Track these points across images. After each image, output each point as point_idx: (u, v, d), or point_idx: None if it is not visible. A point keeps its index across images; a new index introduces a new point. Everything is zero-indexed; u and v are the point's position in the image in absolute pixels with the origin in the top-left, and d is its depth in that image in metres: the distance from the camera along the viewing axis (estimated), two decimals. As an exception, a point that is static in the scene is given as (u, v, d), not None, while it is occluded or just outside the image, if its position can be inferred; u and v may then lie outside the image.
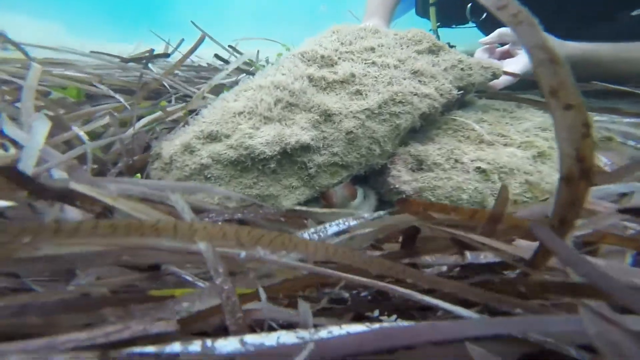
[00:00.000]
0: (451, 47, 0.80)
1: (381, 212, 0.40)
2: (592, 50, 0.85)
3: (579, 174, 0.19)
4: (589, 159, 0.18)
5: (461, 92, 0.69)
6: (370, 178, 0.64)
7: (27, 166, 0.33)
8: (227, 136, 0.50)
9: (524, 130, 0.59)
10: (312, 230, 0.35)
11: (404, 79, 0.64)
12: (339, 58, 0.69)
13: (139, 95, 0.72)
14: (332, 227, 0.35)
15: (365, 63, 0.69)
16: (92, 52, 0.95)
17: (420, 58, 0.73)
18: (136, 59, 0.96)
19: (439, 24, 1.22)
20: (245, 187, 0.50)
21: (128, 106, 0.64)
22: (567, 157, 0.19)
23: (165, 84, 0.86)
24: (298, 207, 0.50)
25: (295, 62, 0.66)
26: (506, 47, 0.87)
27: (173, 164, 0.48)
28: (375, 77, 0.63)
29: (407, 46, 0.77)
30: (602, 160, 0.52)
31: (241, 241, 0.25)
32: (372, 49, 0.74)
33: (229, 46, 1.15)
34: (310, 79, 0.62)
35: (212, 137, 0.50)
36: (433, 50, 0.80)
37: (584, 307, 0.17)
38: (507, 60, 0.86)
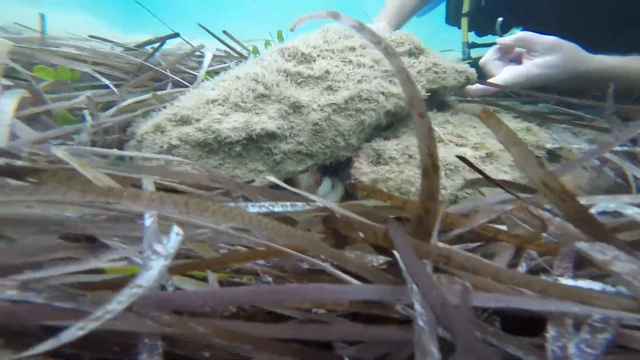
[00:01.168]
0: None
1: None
2: (620, 64, 0.81)
3: (431, 167, 0.22)
4: (435, 155, 0.22)
5: (429, 94, 0.72)
6: (339, 170, 0.67)
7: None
8: (197, 120, 0.54)
9: (483, 132, 0.62)
10: (260, 204, 0.38)
11: (375, 78, 0.67)
12: (318, 55, 0.72)
13: (130, 80, 0.76)
14: (277, 207, 0.38)
15: (342, 61, 0.71)
16: (90, 36, 0.99)
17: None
18: (139, 47, 1.00)
19: (470, 40, 1.19)
20: (211, 167, 0.54)
21: (115, 90, 0.68)
22: (423, 154, 0.22)
23: (168, 73, 0.89)
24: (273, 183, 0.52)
25: (275, 57, 0.69)
26: (521, 50, 0.84)
27: (143, 142, 0.52)
28: (347, 75, 0.66)
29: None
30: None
31: (187, 210, 0.28)
32: (353, 49, 0.77)
33: (224, 31, 1.18)
34: (287, 73, 0.65)
35: (184, 121, 0.54)
36: (414, 53, 0.83)
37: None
38: (508, 66, 0.84)
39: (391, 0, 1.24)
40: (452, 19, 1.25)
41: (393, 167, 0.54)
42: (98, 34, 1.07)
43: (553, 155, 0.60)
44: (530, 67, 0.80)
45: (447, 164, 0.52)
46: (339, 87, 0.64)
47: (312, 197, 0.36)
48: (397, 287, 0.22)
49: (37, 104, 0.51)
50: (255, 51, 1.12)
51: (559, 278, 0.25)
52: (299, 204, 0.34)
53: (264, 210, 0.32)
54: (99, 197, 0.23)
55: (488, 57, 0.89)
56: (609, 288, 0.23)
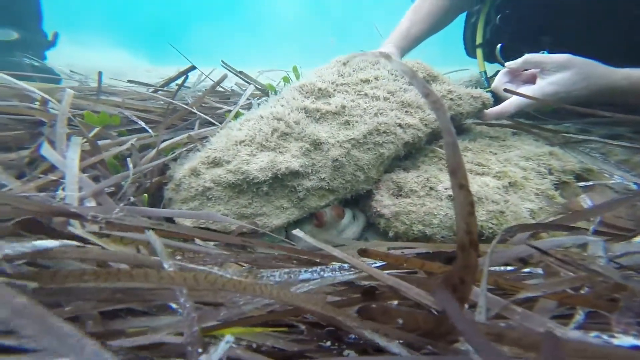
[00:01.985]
0: None
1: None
2: None
3: (469, 244, 0.23)
4: (474, 232, 0.23)
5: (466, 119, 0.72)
6: (360, 202, 0.68)
7: (72, 199, 0.41)
8: (228, 162, 0.57)
9: (504, 159, 0.62)
10: (286, 271, 0.38)
11: (391, 110, 0.69)
12: (335, 90, 0.75)
13: (163, 123, 0.82)
14: (304, 274, 0.38)
15: (358, 95, 0.74)
16: (129, 80, 1.09)
17: (411, 89, 0.78)
18: (163, 86, 1.09)
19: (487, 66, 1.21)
20: (241, 206, 0.57)
21: (151, 132, 0.74)
22: (460, 229, 0.23)
23: (195, 111, 0.97)
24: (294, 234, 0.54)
25: (294, 95, 0.73)
26: (533, 71, 0.84)
27: (181, 186, 0.56)
28: (364, 109, 0.69)
29: (402, 77, 0.82)
30: (586, 202, 0.53)
31: (211, 286, 0.29)
32: (367, 81, 0.80)
33: (240, 72, 1.26)
34: (306, 110, 0.68)
35: (215, 163, 0.58)
36: (427, 81, 0.85)
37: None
38: (521, 87, 0.84)
39: (400, 25, 1.30)
40: (470, 50, 1.28)
41: (414, 199, 0.55)
42: (132, 68, 1.18)
43: (581, 179, 0.59)
44: (544, 85, 0.79)
45: (470, 196, 0.52)
46: (357, 122, 0.66)
47: (355, 262, 0.36)
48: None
49: (92, 152, 0.56)
50: (272, 88, 1.18)
51: (622, 335, 0.24)
52: (345, 269, 0.34)
53: (315, 276, 0.33)
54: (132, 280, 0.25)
55: (498, 82, 0.90)
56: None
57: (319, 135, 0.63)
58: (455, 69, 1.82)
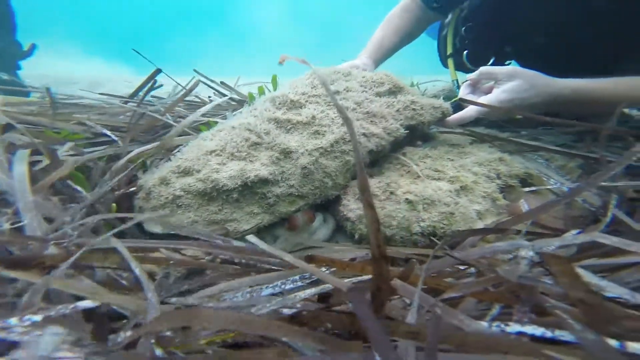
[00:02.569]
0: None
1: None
2: (584, 87, 0.85)
3: (379, 255, 0.26)
4: (382, 246, 0.26)
5: (407, 131, 0.77)
6: (330, 206, 0.71)
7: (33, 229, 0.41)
8: (198, 171, 0.59)
9: (459, 165, 0.66)
10: (248, 290, 0.39)
11: (357, 120, 0.73)
12: (306, 101, 0.78)
13: (129, 131, 0.82)
14: (267, 289, 0.39)
15: (328, 106, 0.78)
16: (100, 93, 1.08)
17: (377, 100, 0.82)
18: (131, 98, 1.08)
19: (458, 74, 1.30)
20: (212, 212, 0.58)
21: (119, 142, 0.74)
22: (372, 244, 0.26)
23: (167, 119, 0.96)
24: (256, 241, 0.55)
25: (267, 106, 0.76)
26: (491, 83, 0.91)
27: (151, 194, 0.56)
28: (332, 119, 0.72)
29: (370, 88, 0.87)
30: (524, 206, 0.58)
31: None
32: (338, 92, 0.84)
33: (221, 82, 1.27)
34: (277, 121, 0.71)
35: (186, 172, 0.59)
36: (393, 92, 0.90)
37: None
38: (481, 97, 0.90)
39: (374, 36, 1.36)
40: (443, 60, 1.38)
41: (376, 203, 0.58)
42: (111, 78, 1.16)
43: (525, 183, 0.64)
44: (499, 93, 0.86)
45: (424, 199, 0.56)
46: (325, 132, 0.69)
47: (307, 267, 0.38)
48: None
49: (54, 165, 0.56)
50: (252, 98, 1.21)
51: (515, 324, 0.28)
52: (306, 277, 0.37)
53: (277, 290, 0.35)
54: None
55: (462, 92, 0.97)
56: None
57: (288, 145, 0.65)
58: (434, 78, 1.92)
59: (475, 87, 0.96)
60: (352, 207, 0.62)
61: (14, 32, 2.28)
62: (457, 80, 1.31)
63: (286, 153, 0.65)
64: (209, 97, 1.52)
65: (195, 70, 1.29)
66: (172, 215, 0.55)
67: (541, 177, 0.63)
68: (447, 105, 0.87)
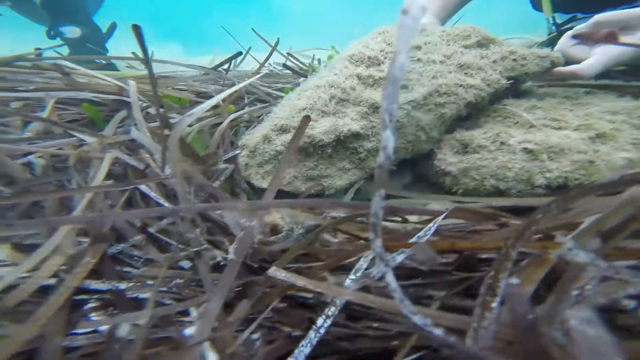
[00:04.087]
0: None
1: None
2: None
3: None
4: None
5: (511, 81, 0.66)
6: (418, 162, 0.66)
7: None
8: (294, 127, 0.58)
9: (584, 114, 0.54)
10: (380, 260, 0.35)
11: (449, 73, 0.65)
12: (385, 58, 0.72)
13: (227, 101, 0.86)
14: (399, 256, 0.35)
15: (410, 60, 0.70)
16: (188, 65, 1.16)
17: (467, 52, 0.72)
18: (216, 68, 1.14)
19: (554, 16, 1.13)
20: (309, 168, 0.57)
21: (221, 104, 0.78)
22: None
23: (257, 89, 0.99)
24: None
25: (345, 64, 0.72)
26: (607, 30, 0.72)
27: (256, 152, 0.58)
28: (420, 73, 0.65)
29: (455, 42, 0.77)
30: None
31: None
32: (419, 47, 0.75)
33: (288, 53, 1.26)
34: (359, 77, 0.66)
35: (283, 129, 0.59)
36: (482, 44, 0.78)
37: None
38: (605, 47, 0.71)
39: None
40: (536, 3, 1.18)
41: (484, 154, 0.51)
42: (170, 58, 1.25)
43: None
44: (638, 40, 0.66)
45: (549, 147, 0.46)
46: (414, 85, 0.63)
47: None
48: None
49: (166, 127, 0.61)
50: (330, 58, 1.17)
51: None
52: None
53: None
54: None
55: (564, 44, 0.78)
56: None
57: (376, 99, 0.61)
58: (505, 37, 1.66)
59: (583, 38, 0.77)
60: (450, 160, 0.55)
61: (91, 15, 2.24)
62: (553, 17, 1.10)
63: (374, 107, 0.61)
64: (270, 69, 1.52)
65: (253, 30, 1.30)
66: (275, 170, 0.56)
67: None
68: (556, 54, 0.72)
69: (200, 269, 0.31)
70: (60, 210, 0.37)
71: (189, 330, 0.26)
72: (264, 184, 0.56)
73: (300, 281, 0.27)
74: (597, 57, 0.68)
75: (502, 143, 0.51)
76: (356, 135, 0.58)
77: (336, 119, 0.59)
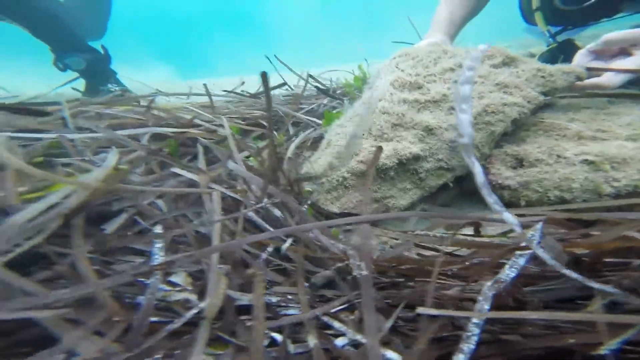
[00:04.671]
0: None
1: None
2: None
3: None
4: None
5: (548, 97, 0.71)
6: (466, 179, 0.69)
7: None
8: (356, 154, 0.62)
9: (626, 124, 0.58)
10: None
11: (491, 92, 0.69)
12: (424, 81, 0.77)
13: (287, 120, 0.90)
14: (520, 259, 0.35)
15: (447, 83, 0.75)
16: (225, 90, 1.20)
17: (499, 72, 0.77)
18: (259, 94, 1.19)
19: (549, 27, 1.22)
20: (372, 191, 0.60)
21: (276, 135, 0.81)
22: None
23: (282, 114, 1.02)
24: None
25: (389, 89, 0.76)
26: (619, 46, 0.78)
27: (324, 179, 0.61)
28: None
29: (482, 62, 0.82)
30: None
31: None
32: (452, 69, 0.80)
33: (309, 75, 1.31)
34: (406, 101, 0.70)
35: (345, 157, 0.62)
36: (507, 63, 0.83)
37: None
38: (624, 60, 0.76)
39: (439, 12, 1.22)
40: (528, 16, 1.27)
41: (544, 167, 0.54)
42: (167, 82, 1.27)
43: None
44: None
45: (611, 157, 0.50)
46: (461, 106, 0.67)
47: None
48: None
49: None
50: (357, 80, 1.21)
51: None
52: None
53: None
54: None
55: (582, 61, 0.84)
56: None
57: (429, 122, 0.65)
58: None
59: (597, 54, 0.82)
60: (507, 174, 0.58)
61: (85, 40, 2.09)
62: (549, 31, 1.18)
63: (428, 130, 0.65)
64: (291, 88, 1.54)
65: (276, 57, 1.35)
66: (343, 195, 0.59)
67: None
68: (580, 68, 0.77)
69: (351, 284, 0.34)
70: (198, 241, 0.40)
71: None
72: (334, 208, 0.59)
73: (451, 313, 0.29)
74: (609, 76, 0.73)
75: (558, 156, 0.54)
76: (416, 157, 0.62)
77: (394, 143, 0.63)
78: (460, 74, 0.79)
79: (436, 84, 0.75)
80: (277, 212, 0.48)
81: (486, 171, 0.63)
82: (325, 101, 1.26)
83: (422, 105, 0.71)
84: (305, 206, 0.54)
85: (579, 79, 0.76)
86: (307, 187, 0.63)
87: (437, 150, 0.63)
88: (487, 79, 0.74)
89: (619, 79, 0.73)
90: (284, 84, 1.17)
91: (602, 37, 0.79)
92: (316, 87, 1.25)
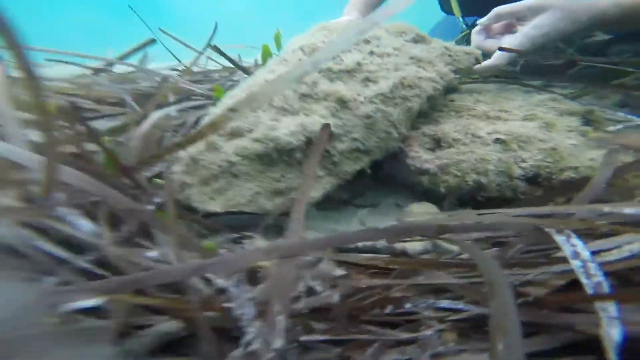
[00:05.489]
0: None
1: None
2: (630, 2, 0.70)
3: None
4: None
5: (458, 75, 0.67)
6: (385, 164, 0.60)
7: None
8: (250, 130, 0.44)
9: (519, 106, 0.59)
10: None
11: (406, 65, 0.61)
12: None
13: (154, 98, 0.63)
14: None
15: (363, 53, 0.64)
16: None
17: (413, 46, 0.70)
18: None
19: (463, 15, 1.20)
20: (274, 180, 0.44)
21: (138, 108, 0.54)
22: None
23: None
24: None
25: (298, 55, 0.60)
26: (506, 22, 0.79)
27: (198, 164, 0.40)
28: (379, 64, 0.59)
29: (396, 37, 0.75)
30: None
31: None
32: (367, 41, 0.70)
33: (214, 46, 1.04)
34: (319, 70, 0.56)
35: (235, 133, 0.43)
36: (417, 40, 0.78)
37: None
38: (505, 38, 0.77)
39: None
40: (444, 4, 1.27)
41: (461, 148, 0.48)
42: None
43: (586, 122, 0.58)
44: (528, 30, 0.73)
45: (518, 136, 0.47)
46: (377, 78, 0.57)
47: None
48: None
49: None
50: (266, 50, 0.98)
51: None
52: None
53: None
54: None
55: (477, 39, 0.86)
56: None
57: (344, 93, 0.52)
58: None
59: (488, 30, 0.86)
60: (426, 157, 0.51)
61: None
62: (463, 17, 1.22)
63: (342, 102, 0.52)
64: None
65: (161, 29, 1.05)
66: (229, 187, 0.40)
67: (601, 114, 0.58)
68: (477, 51, 0.78)
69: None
70: None
71: None
72: (215, 207, 0.40)
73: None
74: (497, 56, 0.75)
75: (473, 135, 0.49)
76: (329, 135, 0.48)
77: (302, 117, 0.48)
78: (376, 44, 0.70)
79: (351, 53, 0.63)
80: (85, 225, 0.25)
81: (403, 154, 0.55)
82: (236, 78, 1.02)
83: (335, 75, 0.57)
84: (153, 206, 0.32)
85: (477, 61, 0.77)
86: (178, 177, 0.42)
87: (352, 128, 0.51)
88: (401, 52, 0.66)
89: (506, 57, 0.75)
90: (151, 41, 0.86)
91: (493, 10, 0.80)
92: (224, 59, 0.98)
